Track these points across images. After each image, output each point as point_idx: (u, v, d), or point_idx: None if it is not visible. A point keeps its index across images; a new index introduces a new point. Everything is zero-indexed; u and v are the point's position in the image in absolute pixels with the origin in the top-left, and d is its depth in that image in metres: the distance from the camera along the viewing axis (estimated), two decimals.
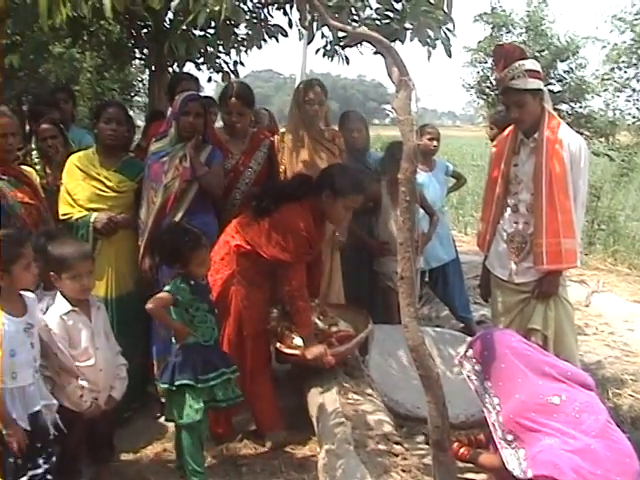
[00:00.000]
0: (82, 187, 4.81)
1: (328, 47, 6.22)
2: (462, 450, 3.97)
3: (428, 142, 6.39)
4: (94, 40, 8.07)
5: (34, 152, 5.34)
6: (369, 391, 4.51)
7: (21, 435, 3.33)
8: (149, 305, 3.95)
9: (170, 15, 7.34)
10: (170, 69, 8.08)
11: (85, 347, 3.83)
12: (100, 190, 4.82)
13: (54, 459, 3.54)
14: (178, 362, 3.98)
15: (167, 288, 4.01)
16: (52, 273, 3.81)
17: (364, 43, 3.51)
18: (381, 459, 3.72)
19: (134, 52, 8.54)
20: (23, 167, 4.70)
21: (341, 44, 4.50)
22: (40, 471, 3.44)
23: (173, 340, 4.12)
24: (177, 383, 3.91)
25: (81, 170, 4.85)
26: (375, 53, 3.42)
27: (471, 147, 34.46)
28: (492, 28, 18.33)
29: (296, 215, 4.40)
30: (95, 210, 4.76)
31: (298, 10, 3.72)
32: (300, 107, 5.30)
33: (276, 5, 7.24)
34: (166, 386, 3.97)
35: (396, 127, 3.24)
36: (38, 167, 5.19)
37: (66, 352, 3.75)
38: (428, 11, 3.51)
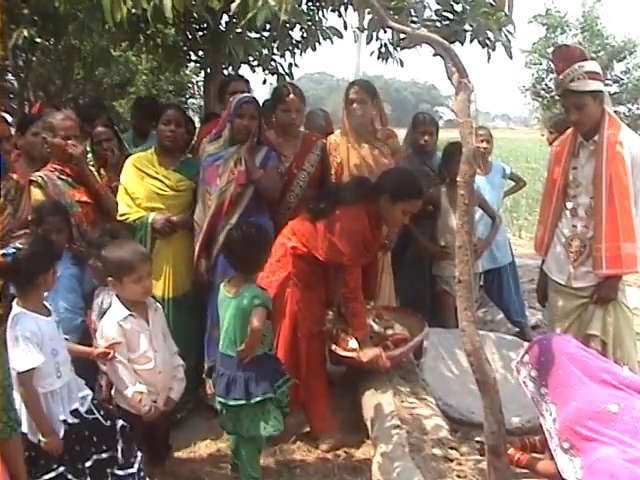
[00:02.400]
0: (141, 186, 4.86)
1: (383, 49, 6.21)
2: (518, 456, 3.92)
3: (479, 144, 6.34)
4: (150, 43, 8.17)
5: (88, 154, 5.41)
6: (424, 395, 4.49)
7: (58, 445, 3.35)
8: (257, 324, 3.80)
9: (226, 17, 7.40)
10: (225, 71, 8.15)
11: (144, 350, 3.83)
12: (159, 189, 4.86)
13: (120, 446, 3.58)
14: (252, 376, 3.86)
15: (259, 301, 3.85)
16: (110, 279, 3.81)
17: (422, 45, 3.48)
18: (436, 464, 3.70)
19: (189, 54, 8.65)
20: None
21: (400, 46, 4.47)
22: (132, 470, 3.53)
23: (232, 353, 3.94)
24: (259, 398, 3.82)
25: (140, 170, 4.90)
26: (434, 55, 3.40)
27: (525, 149, 34.16)
28: (547, 29, 18.16)
29: (353, 217, 4.39)
30: (153, 209, 4.81)
31: (357, 12, 3.70)
32: (346, 108, 5.33)
33: (331, 7, 7.26)
34: (242, 402, 3.83)
35: (450, 129, 3.24)
36: (92, 169, 5.27)
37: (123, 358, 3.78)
38: (488, 12, 3.48)
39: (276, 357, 4.20)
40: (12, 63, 8.39)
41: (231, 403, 3.88)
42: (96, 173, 4.95)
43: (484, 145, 6.41)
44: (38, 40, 7.39)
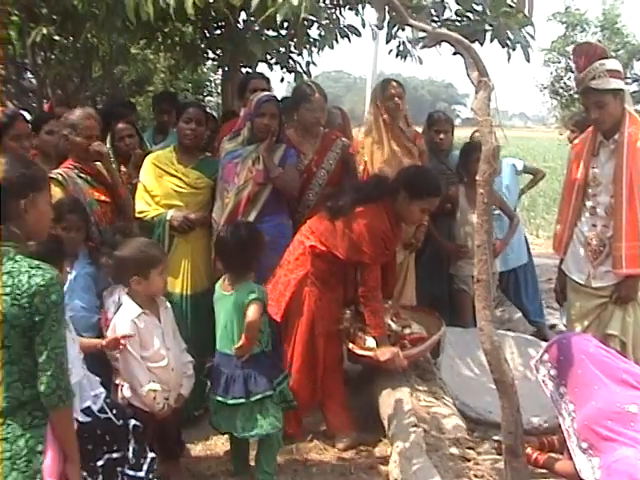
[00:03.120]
0: (160, 183, 4.88)
1: (401, 47, 6.20)
2: (535, 456, 3.91)
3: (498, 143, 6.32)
4: (168, 41, 8.18)
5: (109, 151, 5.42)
6: (441, 394, 4.48)
7: None
8: (254, 317, 3.86)
9: (243, 15, 7.41)
10: (243, 69, 8.16)
11: (157, 348, 3.85)
12: (177, 186, 4.88)
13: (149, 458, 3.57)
14: (251, 374, 3.91)
15: (255, 296, 3.91)
16: (136, 277, 3.81)
17: (442, 44, 3.47)
18: (453, 463, 3.70)
19: (207, 53, 8.66)
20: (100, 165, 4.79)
21: (420, 45, 4.47)
22: (141, 474, 3.48)
23: (230, 352, 3.98)
24: (259, 396, 3.87)
25: (159, 167, 4.92)
26: (454, 54, 3.39)
27: (543, 148, 34.00)
28: (566, 27, 18.06)
29: (372, 216, 4.37)
30: (172, 207, 4.83)
31: (376, 10, 3.69)
32: (379, 106, 5.35)
33: (348, 5, 7.26)
34: (241, 400, 3.88)
35: (467, 128, 3.23)
36: (113, 166, 5.28)
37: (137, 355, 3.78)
38: (508, 12, 3.46)
39: (275, 353, 4.23)
40: (31, 61, 8.42)
41: (230, 402, 3.91)
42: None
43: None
44: (57, 38, 7.43)
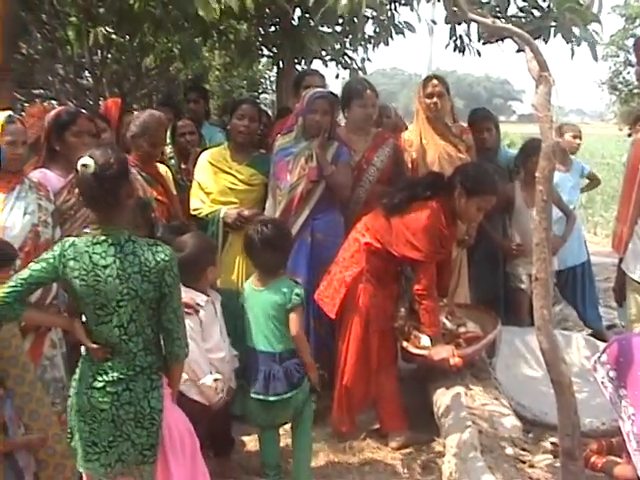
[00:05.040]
0: (214, 181, 4.92)
1: (458, 42, 6.14)
2: (593, 459, 3.83)
3: (571, 139, 6.25)
4: (223, 39, 8.24)
5: (167, 147, 5.47)
6: (496, 394, 4.42)
7: None
8: (299, 331, 3.94)
9: (298, 12, 7.42)
10: (298, 66, 8.18)
11: (217, 340, 3.89)
12: (232, 183, 4.91)
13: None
14: (289, 368, 3.92)
15: (299, 301, 3.94)
16: (212, 267, 3.94)
17: (504, 41, 3.43)
18: (508, 465, 3.64)
19: (262, 50, 8.70)
20: (159, 165, 4.84)
21: (481, 40, 4.42)
22: None
23: (265, 348, 3.99)
24: (298, 389, 3.92)
25: (213, 165, 4.96)
26: (518, 51, 3.33)
27: (601, 144, 33.46)
28: (625, 20, 17.72)
29: (428, 213, 4.33)
30: (226, 204, 4.86)
31: (436, 4, 3.66)
32: (421, 103, 5.31)
33: (403, 1, 7.22)
34: (286, 395, 3.89)
35: (523, 124, 3.17)
36: (172, 162, 5.32)
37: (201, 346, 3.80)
38: (574, 8, 3.38)
39: None
40: (88, 60, 8.54)
41: (272, 399, 3.90)
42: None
43: (577, 141, 6.33)
44: (114, 37, 7.53)
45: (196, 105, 6.69)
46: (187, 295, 3.72)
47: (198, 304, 3.80)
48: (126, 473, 2.97)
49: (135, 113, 5.05)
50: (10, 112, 3.83)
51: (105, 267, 2.83)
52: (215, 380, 3.78)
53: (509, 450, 3.78)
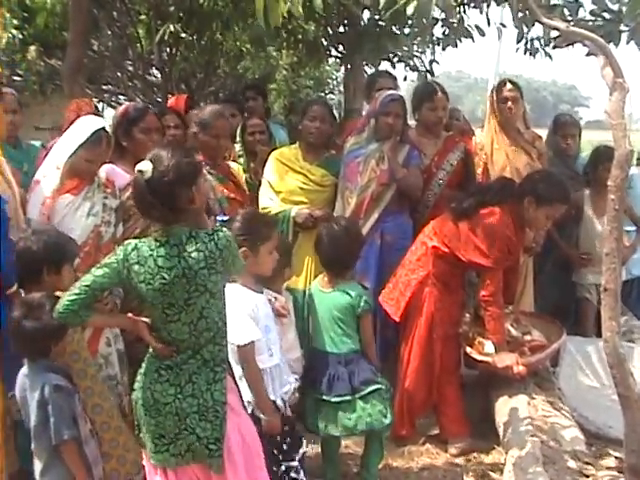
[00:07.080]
0: (285, 181, 4.93)
1: (528, 45, 6.07)
2: None
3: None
4: (291, 38, 8.27)
5: (236, 145, 5.49)
6: (559, 404, 4.36)
7: (277, 425, 3.47)
8: (370, 338, 4.03)
9: (367, 13, 7.41)
10: (366, 67, 8.17)
11: (292, 340, 3.92)
12: (303, 183, 4.92)
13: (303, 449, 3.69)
14: (354, 370, 3.91)
15: (367, 306, 3.97)
16: (287, 268, 3.96)
17: (574, 46, 3.37)
18: (570, 478, 3.57)
19: (329, 50, 8.70)
20: (231, 163, 4.87)
21: (552, 44, 4.36)
22: (294, 464, 3.60)
23: (330, 349, 3.98)
24: (365, 392, 3.88)
25: (284, 164, 4.98)
26: (588, 55, 3.28)
27: None
28: None
29: (497, 219, 4.30)
30: (297, 203, 4.87)
31: (509, 7, 3.61)
32: (495, 107, 5.27)
33: (473, 4, 7.14)
34: (348, 397, 3.86)
35: (591, 130, 3.12)
36: (241, 160, 5.35)
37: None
38: None
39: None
40: (157, 58, 8.67)
41: (334, 400, 3.88)
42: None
43: None
44: (182, 35, 7.63)
45: (254, 102, 6.71)
46: (277, 303, 3.80)
47: (283, 307, 3.83)
48: (197, 462, 2.91)
49: (193, 111, 5.07)
50: None
51: (170, 269, 2.77)
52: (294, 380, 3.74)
53: (571, 463, 3.71)
